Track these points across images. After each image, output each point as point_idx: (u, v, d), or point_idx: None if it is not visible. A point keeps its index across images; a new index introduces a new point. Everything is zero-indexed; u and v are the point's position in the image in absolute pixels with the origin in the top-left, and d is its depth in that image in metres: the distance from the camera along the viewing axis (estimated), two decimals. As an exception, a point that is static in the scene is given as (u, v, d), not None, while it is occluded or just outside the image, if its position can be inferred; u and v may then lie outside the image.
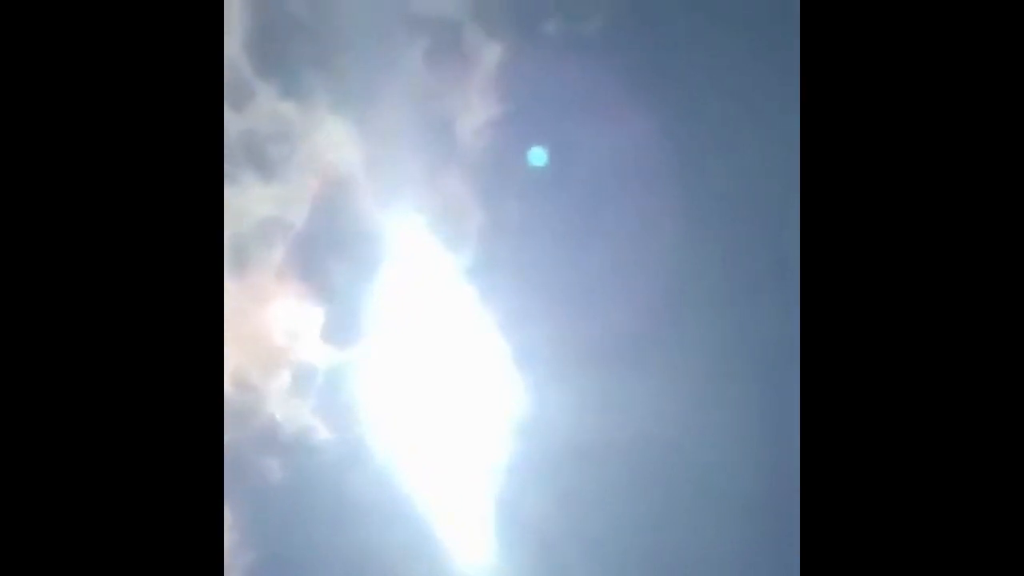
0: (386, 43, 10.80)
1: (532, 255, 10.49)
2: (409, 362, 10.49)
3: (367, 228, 10.62)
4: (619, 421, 10.06)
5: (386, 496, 10.08)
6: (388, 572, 9.93)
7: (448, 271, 10.53)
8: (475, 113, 10.87)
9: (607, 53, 10.62)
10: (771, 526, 9.40)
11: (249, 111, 10.65)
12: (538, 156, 10.66)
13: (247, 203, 10.56)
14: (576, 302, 10.41)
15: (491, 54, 10.79)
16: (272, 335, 10.62)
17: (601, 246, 10.48)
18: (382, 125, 10.78)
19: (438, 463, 10.31)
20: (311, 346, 10.57)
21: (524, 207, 10.57)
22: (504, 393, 10.38)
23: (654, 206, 10.40)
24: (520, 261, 10.47)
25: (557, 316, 10.36)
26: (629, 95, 10.53)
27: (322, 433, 10.39)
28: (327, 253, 10.64)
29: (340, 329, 10.52)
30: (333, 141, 10.78)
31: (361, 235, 10.63)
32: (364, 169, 10.76)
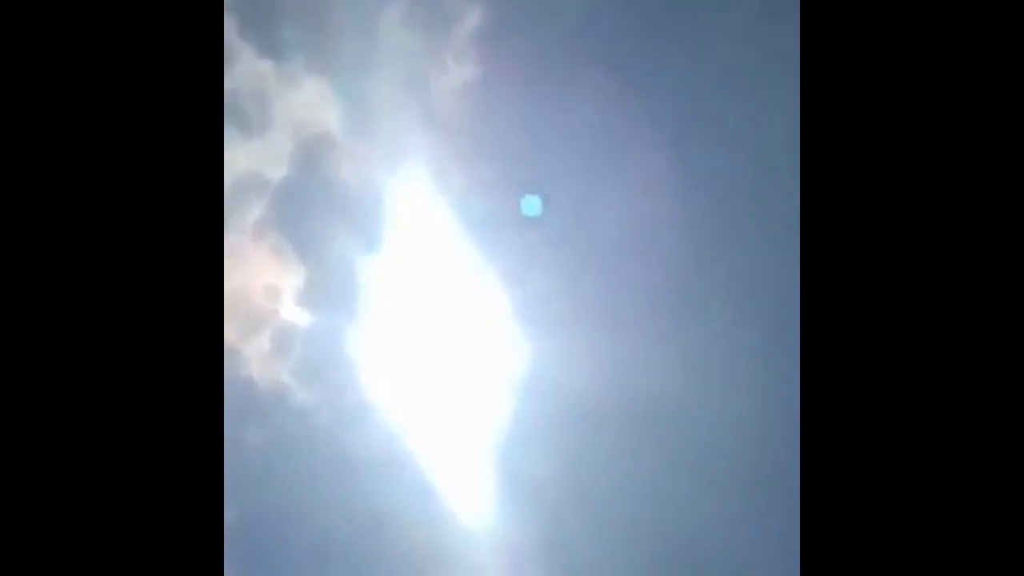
0: (365, 3, 10.74)
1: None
2: (400, 321, 10.41)
3: (348, 186, 10.59)
4: (621, 379, 10.06)
5: (379, 455, 10.09)
6: (382, 531, 9.97)
7: (439, 227, 10.55)
8: (452, 75, 10.87)
9: (589, 20, 10.65)
10: (773, 486, 9.57)
11: (228, 71, 10.55)
12: (531, 205, 10.73)
13: (226, 160, 10.47)
14: (580, 258, 10.46)
15: (471, 17, 10.78)
16: (252, 295, 10.58)
17: (603, 203, 10.53)
18: (360, 85, 10.74)
19: (434, 421, 10.27)
20: (291, 307, 10.54)
21: (506, 169, 10.60)
22: (505, 350, 10.35)
23: (657, 163, 10.47)
24: (516, 218, 10.49)
25: (560, 272, 10.40)
26: (616, 55, 10.58)
27: (302, 394, 10.39)
28: (307, 210, 10.59)
29: (322, 288, 10.49)
30: (311, 100, 10.71)
31: (342, 193, 10.60)
32: (342, 128, 10.71)
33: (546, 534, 10.09)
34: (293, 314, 10.53)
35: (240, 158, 10.55)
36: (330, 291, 10.53)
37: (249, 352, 10.44)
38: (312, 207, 10.62)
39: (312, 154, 10.65)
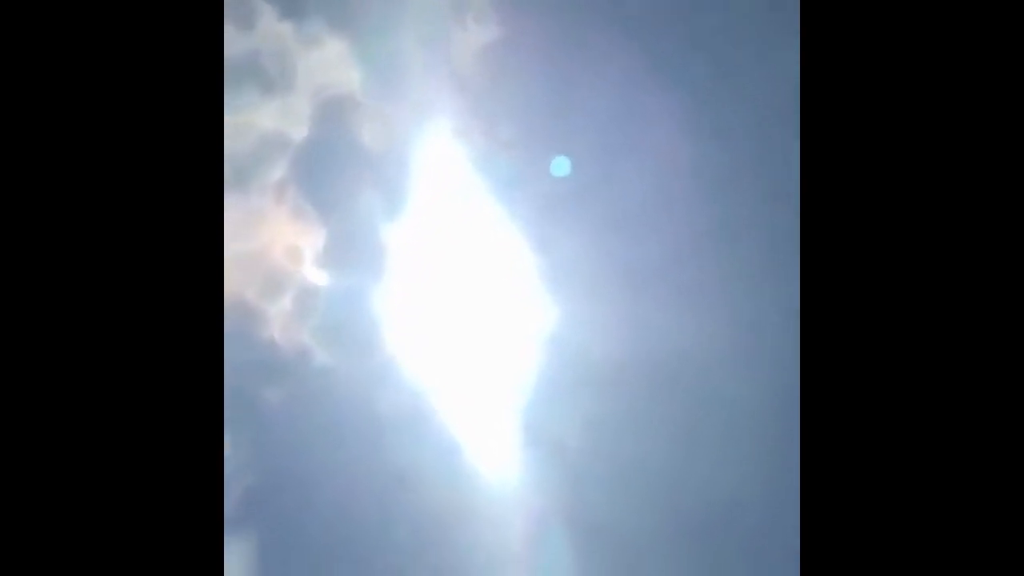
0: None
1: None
2: (424, 282, 10.43)
3: (371, 147, 10.58)
4: (645, 341, 10.04)
5: (403, 414, 10.09)
6: (405, 489, 9.98)
7: (463, 188, 10.53)
8: (474, 35, 10.84)
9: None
10: (794, 446, 9.52)
11: (251, 32, 10.54)
12: (560, 166, 10.65)
13: (249, 120, 10.47)
14: (607, 221, 10.43)
15: (491, -24, 10.76)
16: (273, 256, 10.58)
17: (627, 164, 10.51)
18: (383, 45, 10.71)
19: (458, 381, 10.28)
20: (313, 268, 10.54)
21: (530, 130, 10.58)
22: (530, 310, 10.33)
23: (682, 125, 10.44)
24: (541, 178, 10.47)
25: (586, 233, 10.38)
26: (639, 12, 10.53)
27: (325, 355, 10.40)
28: (329, 171, 10.58)
29: (344, 249, 10.49)
30: (333, 61, 10.70)
31: (364, 153, 10.58)
32: (364, 88, 10.69)
33: (568, 493, 10.08)
34: (315, 275, 10.53)
35: (262, 118, 10.55)
36: (352, 252, 10.53)
37: (271, 313, 10.45)
38: (334, 168, 10.61)
39: (334, 115, 10.64)
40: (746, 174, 10.57)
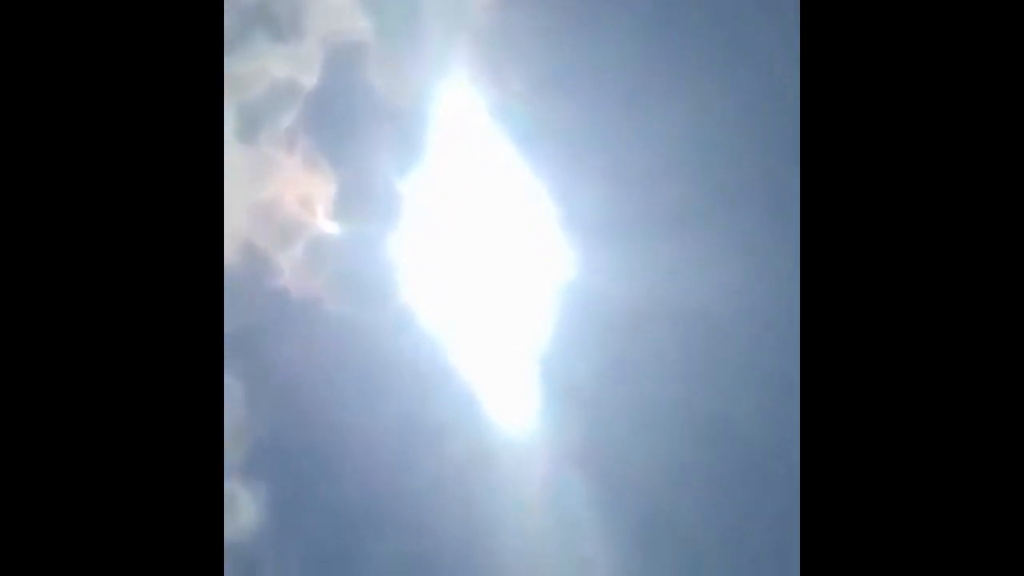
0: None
1: (577, 119, 10.42)
2: (439, 231, 10.27)
3: (383, 95, 10.46)
4: (666, 289, 9.98)
5: (420, 363, 10.02)
6: (422, 438, 9.90)
7: (477, 137, 10.44)
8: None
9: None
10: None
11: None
12: None
13: (259, 67, 10.36)
14: (626, 169, 10.35)
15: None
16: (284, 205, 10.47)
17: (643, 116, 10.44)
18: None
19: (477, 329, 10.15)
20: (325, 218, 10.43)
21: (545, 79, 10.49)
22: (549, 259, 10.22)
23: (698, 77, 10.38)
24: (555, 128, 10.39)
25: (605, 183, 10.31)
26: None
27: (338, 304, 10.29)
28: (340, 120, 10.47)
29: (356, 199, 10.38)
30: (344, 8, 10.59)
31: (376, 102, 10.47)
32: (376, 37, 10.59)
33: (587, 439, 10.00)
34: (327, 225, 10.42)
35: (272, 64, 10.43)
36: (365, 201, 10.42)
37: (282, 263, 10.35)
38: (346, 117, 10.50)
39: (345, 62, 10.53)
40: (760, 125, 10.54)
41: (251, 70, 10.34)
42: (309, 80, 10.47)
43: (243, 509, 9.77)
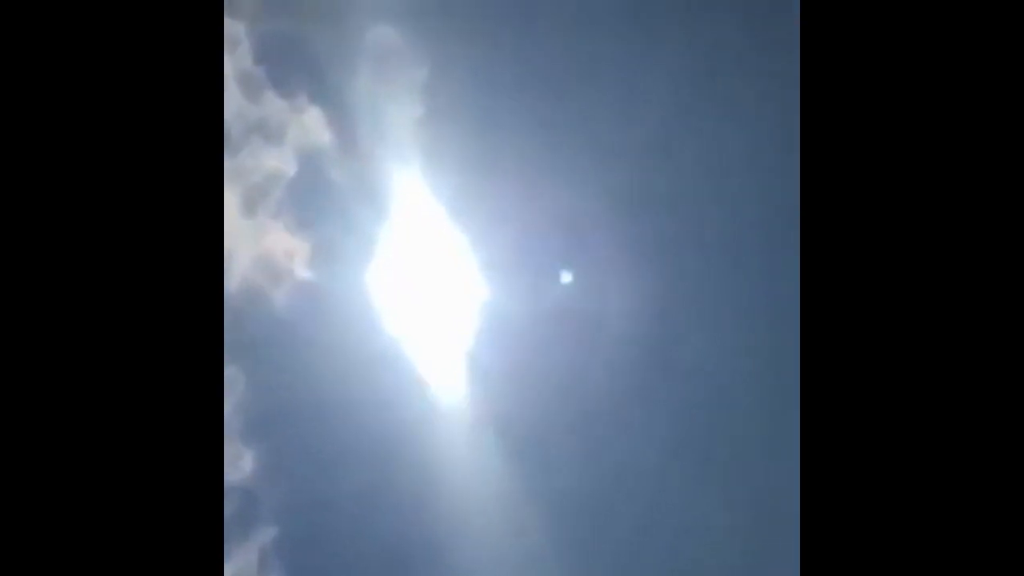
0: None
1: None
2: (390, 270, 13.30)
3: (344, 182, 13.69)
4: (559, 304, 13.19)
5: (382, 357, 12.81)
6: (369, 414, 12.83)
7: (414, 209, 13.56)
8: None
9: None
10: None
11: (258, 104, 14.27)
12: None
13: (256, 162, 13.58)
14: (529, 223, 13.25)
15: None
16: (274, 257, 13.88)
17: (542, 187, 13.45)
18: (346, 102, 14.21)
19: (422, 333, 13.19)
20: (303, 266, 13.48)
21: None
22: (472, 286, 13.26)
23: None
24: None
25: (514, 233, 13.26)
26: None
27: (313, 323, 13.54)
28: (313, 200, 13.63)
29: (327, 253, 13.57)
30: (315, 123, 14.24)
31: (339, 187, 13.72)
32: (337, 142, 13.85)
33: (500, 409, 13.22)
34: (304, 271, 13.76)
35: (265, 160, 13.76)
36: (332, 255, 13.93)
37: (273, 296, 13.79)
38: (316, 197, 13.93)
39: (316, 159, 13.93)
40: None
41: (251, 164, 13.75)
42: (291, 171, 13.84)
43: (244, 462, 13.07)
